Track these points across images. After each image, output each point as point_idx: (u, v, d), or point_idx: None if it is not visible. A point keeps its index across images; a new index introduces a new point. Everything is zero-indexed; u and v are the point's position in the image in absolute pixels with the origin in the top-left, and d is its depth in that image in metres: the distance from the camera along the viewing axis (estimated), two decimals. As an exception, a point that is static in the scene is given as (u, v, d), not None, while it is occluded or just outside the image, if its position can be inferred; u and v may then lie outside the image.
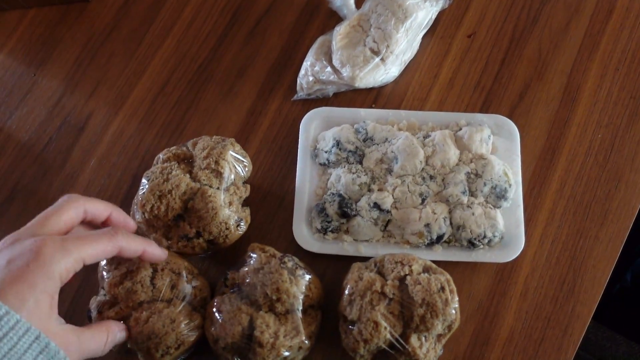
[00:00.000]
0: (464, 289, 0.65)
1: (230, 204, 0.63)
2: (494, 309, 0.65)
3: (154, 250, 0.55)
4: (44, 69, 0.77)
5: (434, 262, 0.61)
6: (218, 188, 0.62)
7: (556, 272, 0.66)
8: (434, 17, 0.74)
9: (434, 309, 0.56)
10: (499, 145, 0.68)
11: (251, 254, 0.60)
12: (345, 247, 0.65)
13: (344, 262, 0.64)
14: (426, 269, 0.59)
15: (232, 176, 0.63)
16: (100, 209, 0.53)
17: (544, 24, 0.76)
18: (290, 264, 0.59)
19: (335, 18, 0.76)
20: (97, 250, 0.48)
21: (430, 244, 0.64)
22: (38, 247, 0.44)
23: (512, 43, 0.75)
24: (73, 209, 0.50)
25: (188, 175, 0.62)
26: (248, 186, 0.66)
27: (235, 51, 0.77)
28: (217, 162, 0.62)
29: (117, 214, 0.55)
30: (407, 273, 0.58)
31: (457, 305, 0.57)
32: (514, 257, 0.64)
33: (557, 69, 0.74)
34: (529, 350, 0.63)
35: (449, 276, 0.59)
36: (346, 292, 0.59)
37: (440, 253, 0.64)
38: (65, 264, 0.45)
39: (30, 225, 0.48)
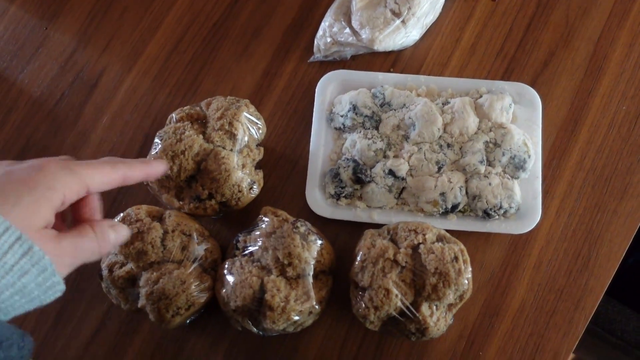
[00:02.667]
0: (477, 259, 0.65)
1: (244, 166, 0.62)
2: (506, 280, 0.64)
3: (156, 171, 0.52)
4: (56, 22, 0.76)
5: (447, 231, 0.61)
6: (231, 150, 0.61)
7: (571, 246, 0.65)
8: (458, -22, 0.71)
9: (446, 279, 0.55)
10: (519, 115, 0.66)
11: (263, 218, 0.60)
12: (358, 213, 0.64)
13: (357, 228, 0.63)
14: (440, 238, 0.59)
15: (246, 138, 0.62)
16: (137, 174, 0.49)
17: (572, -11, 0.73)
18: (302, 229, 0.58)
19: (355, -23, 0.74)
20: (102, 176, 0.45)
21: (445, 213, 0.63)
22: (42, 164, 0.41)
23: (539, 8, 0.72)
24: (115, 173, 0.46)
25: (201, 136, 0.61)
26: (262, 149, 0.65)
27: (251, 9, 0.75)
28: (231, 124, 0.61)
29: (152, 170, 0.52)
30: (420, 241, 0.57)
31: (470, 276, 0.57)
32: (529, 228, 0.63)
33: (584, 36, 0.71)
34: (539, 322, 0.63)
35: (462, 246, 0.58)
36: (358, 258, 0.58)
37: (455, 222, 0.63)
38: (70, 183, 0.42)
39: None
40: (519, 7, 0.72)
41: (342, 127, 0.66)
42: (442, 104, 0.65)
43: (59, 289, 0.41)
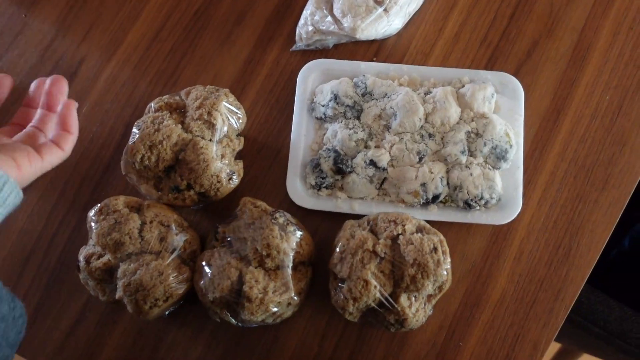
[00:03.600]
0: (458, 250, 0.64)
1: (223, 156, 0.61)
2: (487, 270, 0.64)
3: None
4: (35, 9, 0.75)
5: (428, 222, 0.60)
6: (210, 140, 0.60)
7: (552, 236, 0.65)
8: (442, -34, 0.70)
9: (425, 270, 0.55)
10: (502, 104, 0.66)
11: (243, 209, 0.59)
12: (339, 204, 0.64)
13: (337, 219, 0.63)
14: (420, 229, 0.58)
15: (225, 128, 0.61)
16: None
17: (557, -23, 0.72)
18: (281, 220, 0.58)
19: (338, -36, 0.73)
20: None
21: (426, 204, 0.63)
22: None
23: (523, -3, 0.72)
24: None
25: (180, 126, 0.60)
26: (242, 139, 0.64)
27: (233, -4, 0.74)
28: (209, 113, 0.60)
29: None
30: (400, 232, 0.57)
31: (449, 267, 0.56)
32: (510, 219, 0.63)
33: (568, 25, 0.70)
34: (519, 312, 0.63)
35: (442, 237, 0.58)
36: (337, 249, 0.58)
37: (436, 213, 0.63)
38: None
39: None
40: (504, -4, 0.72)
41: (323, 116, 0.66)
42: (424, 93, 0.65)
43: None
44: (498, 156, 0.63)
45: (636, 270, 0.87)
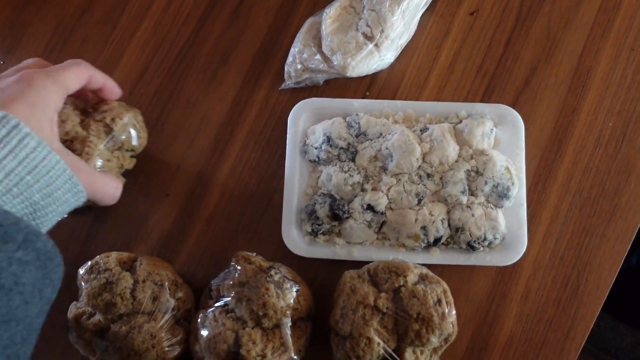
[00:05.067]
0: (462, 292, 0.62)
1: (108, 160, 0.60)
2: (493, 312, 0.62)
3: (113, 86, 0.59)
4: (13, 56, 0.72)
5: (431, 265, 0.58)
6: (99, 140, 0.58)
7: (559, 273, 0.62)
8: (433, -7, 0.67)
9: (429, 324, 0.53)
10: (501, 138, 0.63)
11: (236, 266, 0.57)
12: (337, 250, 0.61)
13: (337, 265, 0.61)
14: (422, 278, 0.56)
15: (123, 137, 0.60)
16: (99, 77, 0.56)
17: (553, -1, 0.69)
18: (277, 277, 0.55)
19: (325, -4, 0.70)
20: (75, 75, 0.52)
21: (427, 247, 0.61)
22: (30, 76, 0.47)
23: (519, 21, 0.69)
24: (84, 71, 0.54)
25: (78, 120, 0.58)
26: (134, 161, 0.64)
27: (218, 34, 0.71)
28: (113, 120, 0.59)
29: (110, 83, 0.58)
30: (401, 284, 0.55)
31: (454, 319, 0.54)
32: (515, 259, 0.60)
33: (567, 49, 0.68)
34: (529, 355, 0.61)
35: (446, 286, 0.56)
36: (337, 305, 0.56)
37: (438, 256, 0.61)
38: (58, 92, 0.49)
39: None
40: (498, 21, 0.69)
41: (317, 159, 0.63)
42: (421, 130, 0.62)
43: (83, 194, 0.49)
44: (500, 195, 0.60)
45: (645, 291, 0.85)
